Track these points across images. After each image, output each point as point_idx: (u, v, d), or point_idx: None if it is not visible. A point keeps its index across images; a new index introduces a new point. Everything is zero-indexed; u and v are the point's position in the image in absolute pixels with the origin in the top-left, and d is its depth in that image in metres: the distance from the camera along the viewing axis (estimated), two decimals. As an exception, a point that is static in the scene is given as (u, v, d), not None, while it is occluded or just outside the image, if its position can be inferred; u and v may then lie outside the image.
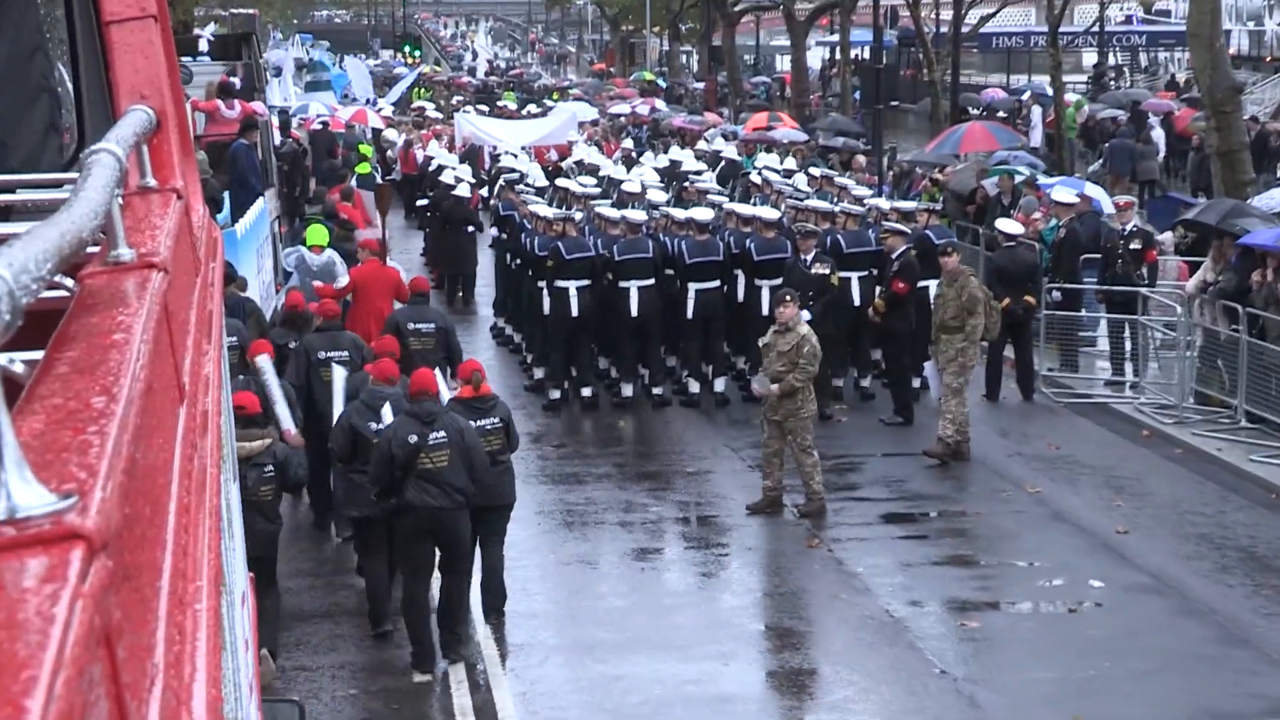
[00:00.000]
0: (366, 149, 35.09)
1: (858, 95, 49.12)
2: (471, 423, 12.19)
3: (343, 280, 18.22)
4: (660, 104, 52.51)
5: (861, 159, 32.01)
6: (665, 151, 32.96)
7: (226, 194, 19.27)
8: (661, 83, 65.35)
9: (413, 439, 11.61)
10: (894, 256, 19.22)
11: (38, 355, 1.90)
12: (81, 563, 1.32)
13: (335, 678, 12.16)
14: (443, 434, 11.67)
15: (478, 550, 12.75)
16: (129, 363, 1.87)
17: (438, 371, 13.82)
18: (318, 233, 19.40)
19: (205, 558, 2.49)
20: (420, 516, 11.80)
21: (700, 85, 63.49)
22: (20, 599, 1.26)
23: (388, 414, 12.42)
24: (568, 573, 14.28)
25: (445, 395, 12.69)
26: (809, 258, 18.94)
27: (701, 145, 35.23)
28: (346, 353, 14.73)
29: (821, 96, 61.13)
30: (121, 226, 2.53)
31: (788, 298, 15.58)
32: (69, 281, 2.34)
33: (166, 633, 1.73)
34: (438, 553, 12.19)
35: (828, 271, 18.85)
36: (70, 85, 4.61)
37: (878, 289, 19.39)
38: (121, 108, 3.82)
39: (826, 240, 19.61)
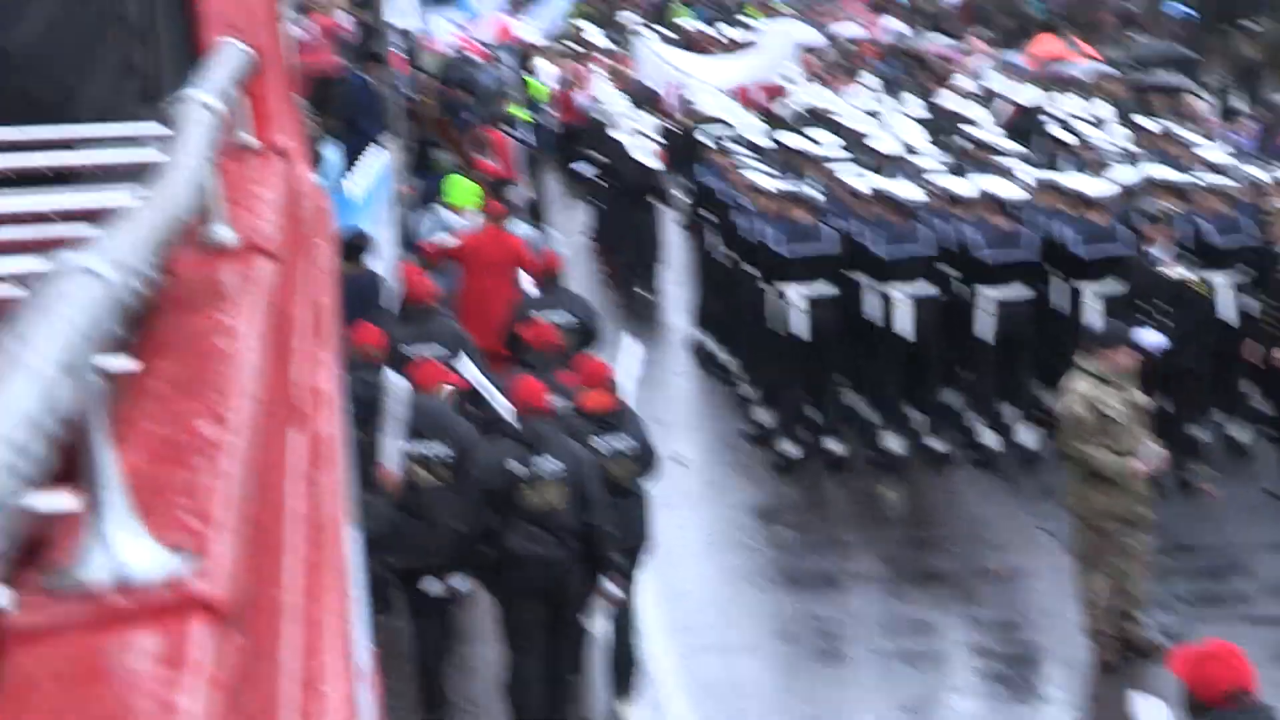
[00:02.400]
0: (538, 87, 34.95)
1: (1182, 8, 46.81)
2: (598, 441, 12.61)
3: (450, 240, 18.54)
4: (895, 22, 50.63)
5: (1199, 103, 29.92)
6: (925, 92, 31.11)
7: (336, 142, 19.85)
8: (897, -7, 63.23)
9: (512, 467, 12.00)
10: (1284, 251, 17.72)
11: (120, 362, 1.84)
12: (210, 639, 1.41)
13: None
14: (557, 464, 12.04)
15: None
16: (240, 379, 2.00)
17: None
18: (460, 188, 19.77)
19: (333, 627, 2.56)
20: (528, 571, 12.10)
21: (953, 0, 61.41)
22: (136, 684, 1.31)
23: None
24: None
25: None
26: (1159, 253, 17.19)
27: (962, 82, 33.32)
28: (441, 346, 14.83)
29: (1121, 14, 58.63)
30: (220, 201, 2.70)
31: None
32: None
33: None
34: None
35: (1190, 275, 17.58)
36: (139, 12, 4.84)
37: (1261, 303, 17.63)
38: (207, 40, 4.02)
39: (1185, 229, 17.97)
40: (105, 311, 1.55)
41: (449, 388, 13.26)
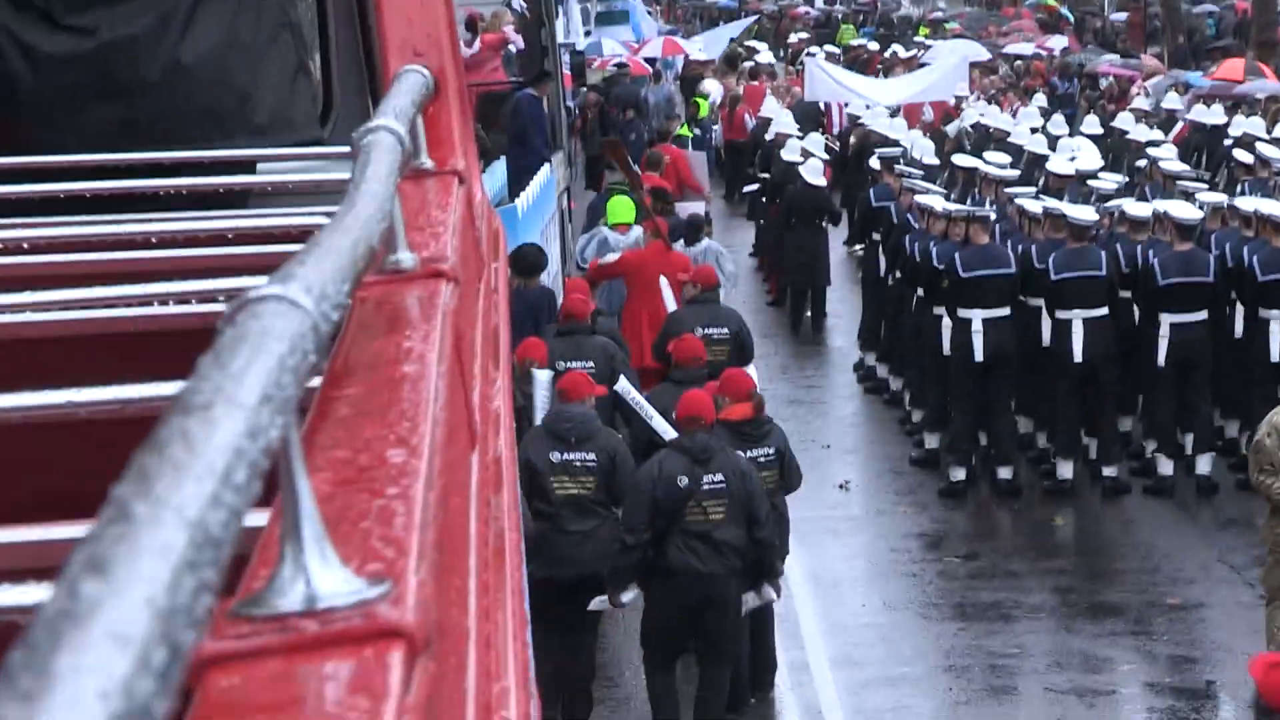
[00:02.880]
0: (704, 102, 35.08)
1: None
2: (738, 453, 12.56)
3: (611, 257, 18.60)
4: (1063, 40, 49.84)
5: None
6: (1100, 112, 30.52)
7: (503, 159, 20.12)
8: (1066, 12, 62.40)
9: (682, 482, 11.94)
10: None
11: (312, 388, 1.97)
12: (403, 667, 1.40)
13: None
14: (720, 478, 12.03)
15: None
16: (426, 402, 2.02)
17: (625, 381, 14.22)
18: (622, 207, 19.66)
19: (510, 649, 2.66)
20: (681, 584, 12.08)
21: (1122, 16, 60.45)
22: (330, 713, 1.32)
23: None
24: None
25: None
26: None
27: (1139, 103, 32.64)
28: (593, 364, 14.81)
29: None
30: (401, 224, 2.78)
31: None
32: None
33: None
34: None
35: None
36: (314, 36, 5.10)
37: None
38: (392, 68, 4.06)
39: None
40: (305, 341, 1.56)
41: (593, 399, 13.24)
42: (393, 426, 1.91)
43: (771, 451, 13.03)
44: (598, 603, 12.73)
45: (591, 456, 12.70)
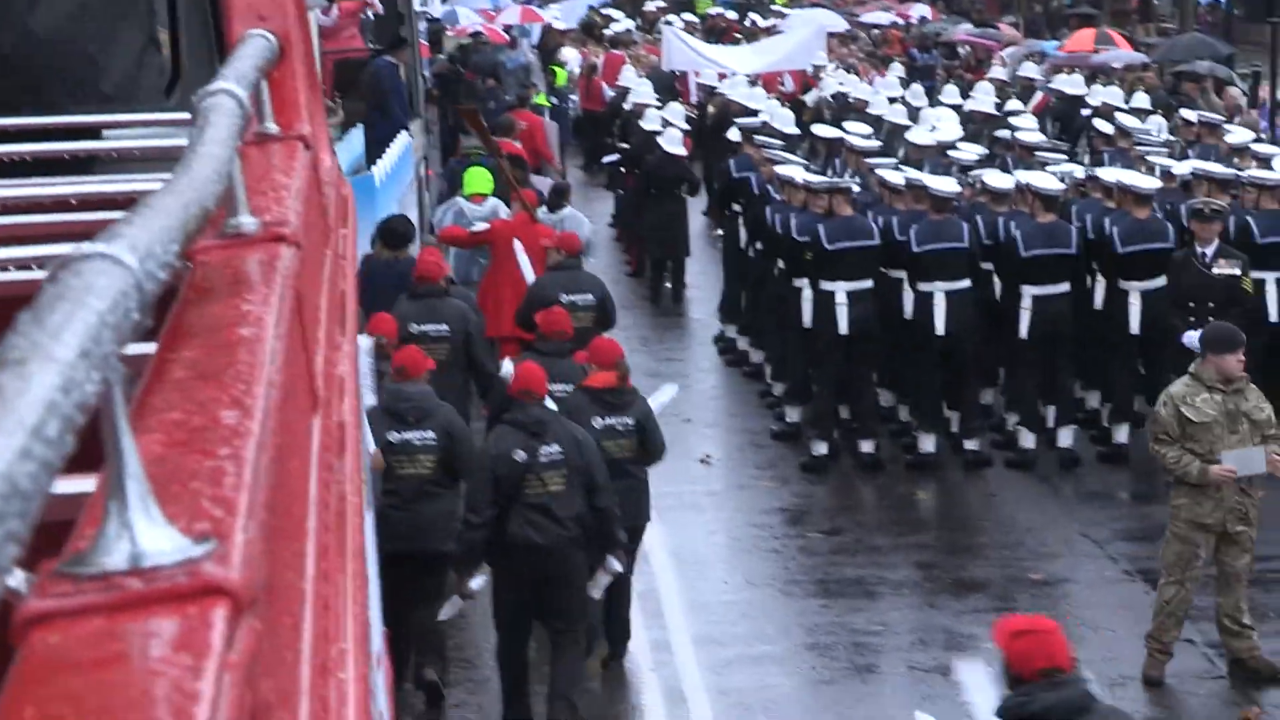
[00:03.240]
0: (562, 71, 35.05)
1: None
2: (598, 420, 12.74)
3: (481, 227, 18.75)
4: (923, 8, 49.84)
5: (1236, 92, 29.23)
6: (959, 82, 30.42)
7: (361, 127, 20.01)
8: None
9: (519, 456, 11.96)
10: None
11: (143, 348, 2.03)
12: (226, 624, 1.43)
13: None
14: (557, 449, 12.07)
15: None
16: (262, 365, 2.02)
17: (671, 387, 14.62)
18: (479, 177, 19.69)
19: (350, 612, 2.65)
20: (523, 558, 12.10)
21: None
22: (154, 669, 1.34)
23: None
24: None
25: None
26: (1208, 251, 16.64)
27: (997, 72, 32.63)
28: (447, 326, 15.09)
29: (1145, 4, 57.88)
30: (243, 188, 2.76)
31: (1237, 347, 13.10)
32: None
33: (312, 710, 1.85)
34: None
35: (1238, 272, 16.90)
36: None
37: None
38: (236, 30, 4.06)
39: (1230, 225, 17.25)
40: (128, 299, 1.56)
41: (428, 374, 13.19)
42: (227, 389, 1.92)
43: (632, 421, 13.08)
44: (448, 609, 12.71)
45: (431, 435, 12.63)
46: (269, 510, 1.70)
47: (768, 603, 14.76)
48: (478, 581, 12.45)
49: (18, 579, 1.46)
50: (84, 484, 1.66)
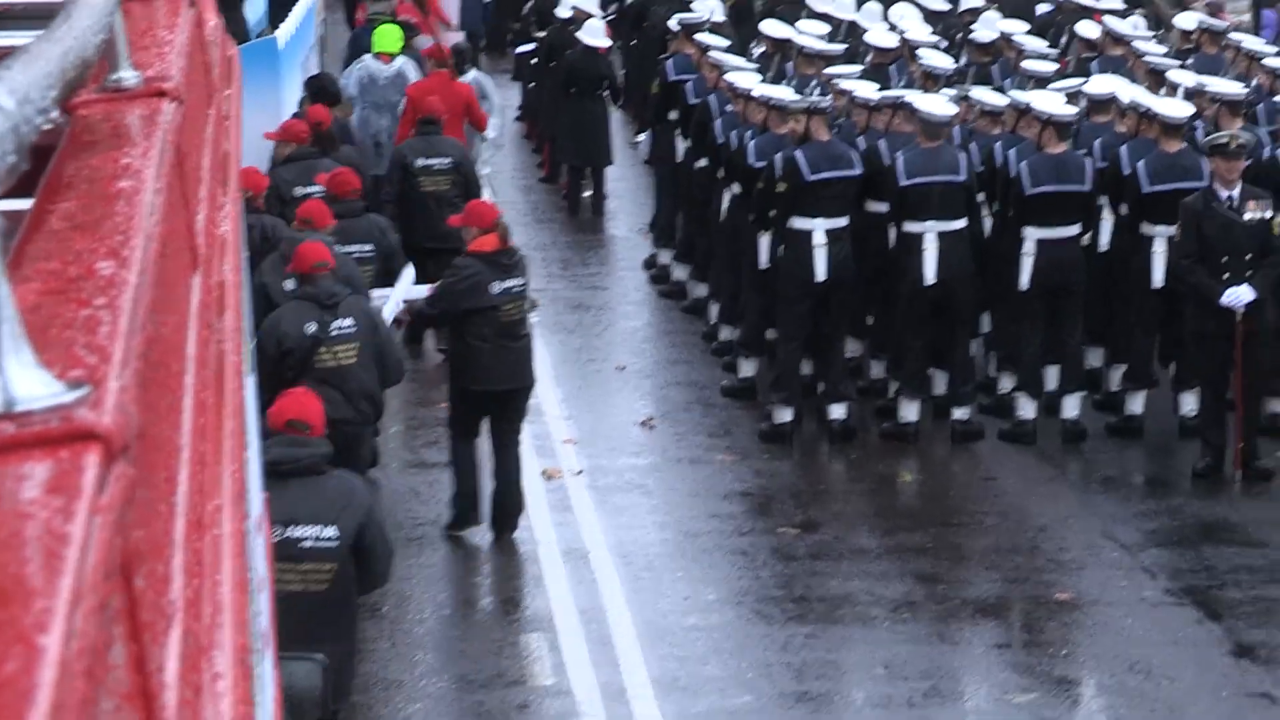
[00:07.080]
0: None
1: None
2: (495, 284, 12.95)
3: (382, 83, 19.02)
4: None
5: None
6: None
7: None
8: None
9: (310, 328, 12.08)
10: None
11: (21, 204, 2.11)
12: (98, 468, 1.43)
13: None
14: (350, 321, 12.15)
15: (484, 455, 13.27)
16: (141, 217, 2.05)
17: (410, 270, 14.15)
18: (387, 35, 19.71)
19: (227, 469, 2.69)
20: None
21: None
22: (24, 512, 1.35)
23: None
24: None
25: (390, 309, 13.42)
26: (1234, 194, 14.33)
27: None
28: (370, 246, 14.61)
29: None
30: (125, 42, 2.81)
31: None
32: (55, 111, 2.41)
33: (185, 563, 1.83)
34: None
35: (1269, 214, 14.52)
36: None
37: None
38: None
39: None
40: (5, 141, 1.52)
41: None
42: (105, 240, 1.92)
43: (523, 281, 13.32)
44: None
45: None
46: (144, 361, 1.69)
47: (741, 630, 11.96)
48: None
49: None
50: None
